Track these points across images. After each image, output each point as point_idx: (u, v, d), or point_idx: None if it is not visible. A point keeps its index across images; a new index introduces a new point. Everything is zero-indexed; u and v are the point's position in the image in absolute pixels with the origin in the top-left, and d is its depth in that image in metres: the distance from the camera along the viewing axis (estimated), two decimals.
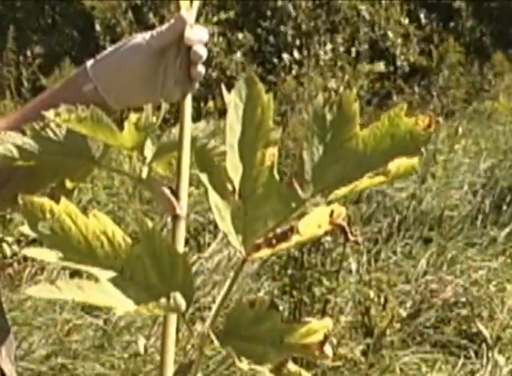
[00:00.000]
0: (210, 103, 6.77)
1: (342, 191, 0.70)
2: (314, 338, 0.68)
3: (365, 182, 0.69)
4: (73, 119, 0.76)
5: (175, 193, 0.79)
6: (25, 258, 3.98)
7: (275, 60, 7.48)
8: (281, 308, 3.74)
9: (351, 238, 0.66)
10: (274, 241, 0.68)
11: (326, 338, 0.67)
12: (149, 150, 0.83)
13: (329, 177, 0.72)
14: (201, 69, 0.96)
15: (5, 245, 3.87)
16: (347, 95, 0.73)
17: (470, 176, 5.51)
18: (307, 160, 0.72)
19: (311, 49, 7.42)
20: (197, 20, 0.95)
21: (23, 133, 0.83)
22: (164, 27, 1.00)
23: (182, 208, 0.78)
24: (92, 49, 7.30)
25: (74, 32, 8.20)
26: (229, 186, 0.73)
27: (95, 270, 0.69)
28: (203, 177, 0.73)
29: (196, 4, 0.91)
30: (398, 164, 0.69)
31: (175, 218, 0.78)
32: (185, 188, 0.79)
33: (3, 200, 1.04)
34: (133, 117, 0.77)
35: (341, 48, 7.61)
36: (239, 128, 0.75)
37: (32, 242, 4.16)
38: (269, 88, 7.00)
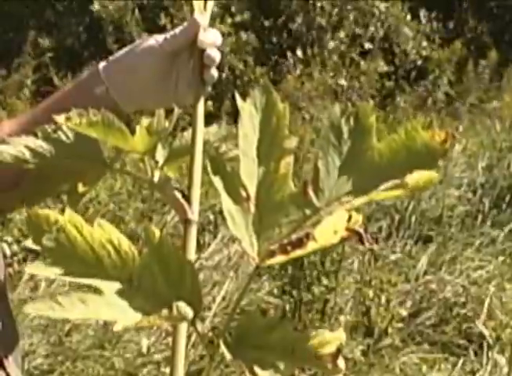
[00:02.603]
0: (209, 103, 6.76)
1: (358, 201, 0.70)
2: (326, 350, 0.67)
3: (383, 194, 0.69)
4: (85, 123, 0.76)
5: (187, 197, 0.78)
6: (25, 258, 3.98)
7: (280, 59, 7.48)
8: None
9: (368, 245, 0.66)
10: (289, 248, 0.67)
11: (339, 350, 0.67)
12: (160, 153, 0.83)
13: (345, 187, 0.72)
14: (214, 72, 0.95)
15: (4, 245, 3.87)
16: (364, 107, 0.73)
17: (469, 175, 5.51)
18: (322, 169, 0.72)
19: (315, 48, 7.42)
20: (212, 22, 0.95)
21: (35, 135, 0.83)
22: (178, 29, 0.99)
23: (193, 213, 0.78)
24: (99, 48, 7.31)
25: (77, 32, 8.20)
26: (243, 193, 0.73)
27: (100, 283, 0.68)
28: (217, 183, 0.73)
29: (210, 6, 0.91)
30: (417, 178, 0.68)
31: (187, 222, 0.77)
32: (196, 192, 0.78)
33: (13, 203, 1.04)
34: (145, 121, 0.77)
35: (343, 47, 7.61)
36: (255, 136, 0.74)
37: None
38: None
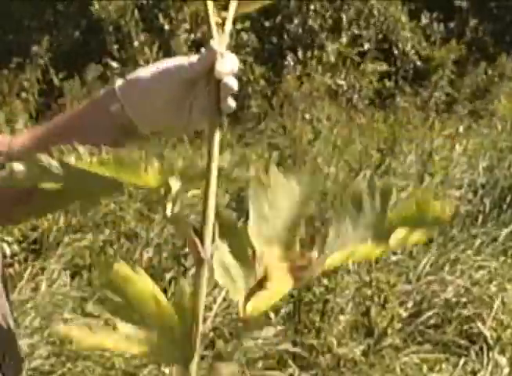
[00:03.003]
0: None
1: (339, 257, 0.72)
2: None
3: (364, 249, 0.72)
4: (96, 163, 0.75)
5: (200, 234, 0.77)
6: (25, 259, 3.98)
7: (279, 60, 7.48)
8: (282, 310, 3.75)
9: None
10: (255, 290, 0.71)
11: None
12: (174, 184, 0.82)
13: (347, 249, 0.75)
14: (231, 102, 0.94)
15: (5, 245, 3.87)
16: (389, 186, 0.75)
17: (470, 176, 5.51)
18: (332, 235, 0.74)
19: (315, 49, 7.42)
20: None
21: (50, 154, 0.82)
22: (196, 57, 0.98)
23: (206, 252, 0.76)
24: (98, 49, 7.30)
25: (76, 32, 8.20)
26: (250, 251, 0.74)
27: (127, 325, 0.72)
28: (223, 243, 0.75)
29: (228, 29, 0.88)
30: (407, 236, 0.72)
31: (198, 261, 0.76)
32: (210, 229, 0.77)
33: (26, 216, 1.04)
34: (155, 163, 0.77)
35: (342, 48, 7.62)
36: (271, 211, 0.76)
37: (33, 243, 4.16)
38: (273, 88, 7.01)
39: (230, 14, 0.88)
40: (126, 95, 1.03)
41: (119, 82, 1.05)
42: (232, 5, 0.88)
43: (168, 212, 0.78)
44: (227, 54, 0.93)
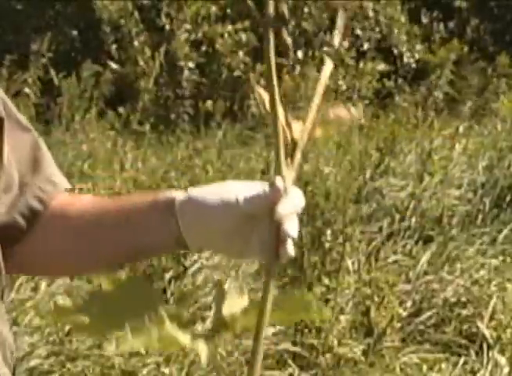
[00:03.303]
0: (209, 103, 6.75)
1: None
2: None
3: None
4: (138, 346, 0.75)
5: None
6: None
7: (278, 59, 7.49)
8: None
9: None
10: None
11: None
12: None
13: None
14: (290, 249, 0.88)
15: None
16: None
17: (470, 175, 5.50)
18: None
19: (314, 49, 7.43)
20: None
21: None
22: (260, 192, 0.94)
23: None
24: (97, 49, 7.31)
25: (75, 32, 8.20)
26: None
27: None
28: None
29: (297, 161, 0.81)
30: None
31: None
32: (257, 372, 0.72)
33: None
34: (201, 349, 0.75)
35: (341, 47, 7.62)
36: None
37: None
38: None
39: (301, 143, 0.81)
40: (183, 212, 1.00)
41: (180, 198, 1.01)
42: (305, 134, 0.82)
43: (204, 359, 0.75)
44: (292, 191, 0.88)
